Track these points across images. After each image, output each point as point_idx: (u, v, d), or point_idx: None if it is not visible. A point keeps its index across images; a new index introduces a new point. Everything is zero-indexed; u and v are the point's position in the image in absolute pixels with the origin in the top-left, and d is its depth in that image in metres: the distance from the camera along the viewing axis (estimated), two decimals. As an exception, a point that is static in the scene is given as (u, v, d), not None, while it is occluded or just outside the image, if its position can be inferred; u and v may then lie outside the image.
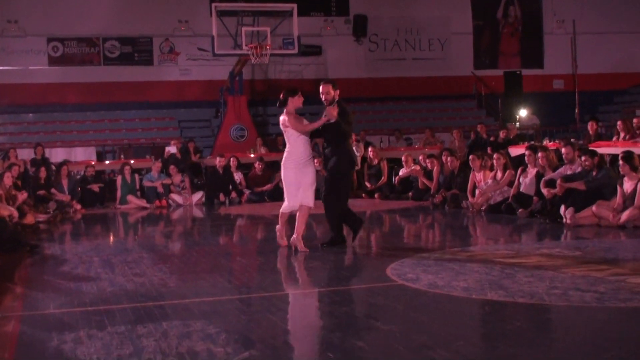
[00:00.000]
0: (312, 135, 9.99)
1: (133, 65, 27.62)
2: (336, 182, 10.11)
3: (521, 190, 13.59)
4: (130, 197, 18.36)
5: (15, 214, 12.51)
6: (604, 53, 30.53)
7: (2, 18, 26.17)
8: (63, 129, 25.98)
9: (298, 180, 9.80)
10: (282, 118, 9.87)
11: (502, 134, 20.71)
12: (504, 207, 13.58)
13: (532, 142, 18.37)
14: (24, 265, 9.88)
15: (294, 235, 9.91)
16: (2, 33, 26.33)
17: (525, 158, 13.92)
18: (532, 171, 13.57)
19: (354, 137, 19.23)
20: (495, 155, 14.66)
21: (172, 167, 19.21)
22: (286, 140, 9.98)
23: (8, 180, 13.58)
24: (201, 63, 27.90)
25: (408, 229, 13.44)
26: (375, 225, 13.70)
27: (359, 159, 19.40)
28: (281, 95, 9.93)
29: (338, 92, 10.04)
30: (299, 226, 9.89)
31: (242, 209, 17.35)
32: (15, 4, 26.15)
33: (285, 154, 9.99)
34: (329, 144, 10.14)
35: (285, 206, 10.02)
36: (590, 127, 18.01)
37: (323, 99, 10.00)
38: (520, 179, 13.71)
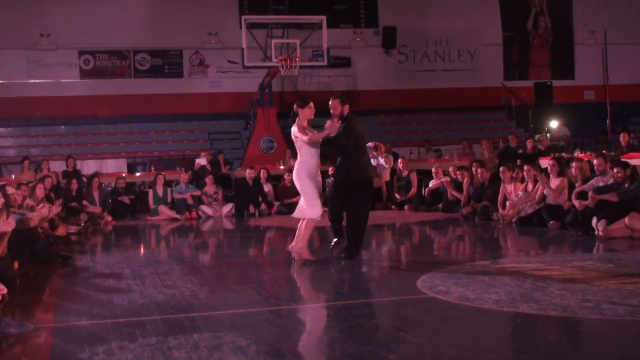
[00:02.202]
0: (323, 146, 10.05)
1: (163, 77, 27.81)
2: (335, 191, 10.35)
3: (547, 201, 13.53)
4: (161, 208, 18.45)
5: (57, 210, 12.83)
6: (635, 63, 30.35)
7: (34, 32, 26.45)
8: (94, 141, 26.17)
9: (317, 188, 9.96)
10: (293, 129, 10.02)
11: (529, 145, 20.61)
12: (535, 219, 13.50)
13: (561, 154, 18.24)
14: (56, 277, 9.95)
15: (299, 245, 10.04)
16: (34, 46, 26.63)
17: (549, 168, 13.85)
18: (555, 181, 13.50)
19: (382, 148, 19.31)
20: (525, 167, 14.55)
21: (209, 177, 19.28)
22: (297, 150, 10.10)
23: (40, 192, 13.68)
24: (231, 75, 28.02)
25: (438, 241, 13.38)
26: (405, 237, 13.67)
27: (388, 171, 19.42)
28: (294, 107, 10.10)
29: (347, 107, 10.17)
30: (306, 236, 10.06)
31: (272, 221, 17.37)
32: (47, 18, 26.43)
33: (296, 165, 10.13)
34: (338, 155, 10.32)
35: (314, 214, 10.01)
36: (622, 138, 17.90)
37: (331, 113, 10.20)
38: (545, 191, 13.63)
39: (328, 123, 9.87)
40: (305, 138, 9.83)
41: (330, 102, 10.21)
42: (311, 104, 10.05)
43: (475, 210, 15.55)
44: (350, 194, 10.11)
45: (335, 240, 10.17)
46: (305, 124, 10.01)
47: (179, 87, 27.83)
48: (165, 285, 8.60)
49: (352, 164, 10.10)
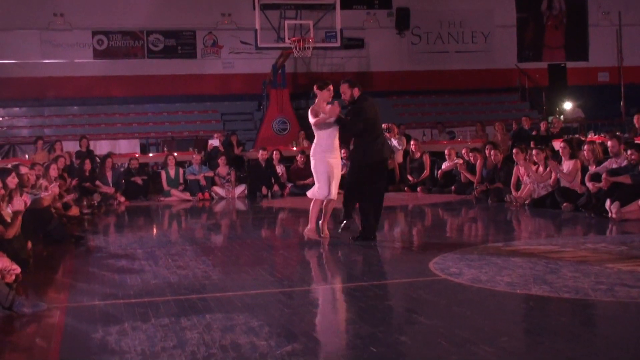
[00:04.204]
0: (342, 129, 10.09)
1: (176, 58, 27.74)
2: (352, 174, 10.40)
3: (560, 184, 13.49)
4: (173, 191, 18.44)
5: (56, 191, 12.81)
6: (650, 45, 30.14)
7: (48, 11, 26.42)
8: (107, 121, 26.20)
9: (331, 169, 9.92)
10: (309, 110, 10.11)
11: (542, 127, 20.53)
12: (548, 201, 13.46)
13: (572, 136, 18.18)
14: (69, 257, 10.00)
15: (308, 226, 10.10)
16: (48, 26, 26.59)
17: (560, 151, 13.80)
18: (567, 164, 13.44)
19: (395, 130, 19.24)
20: (534, 151, 14.44)
21: (221, 158, 19.31)
22: (314, 131, 10.14)
23: (54, 172, 13.70)
24: (244, 56, 27.94)
25: (451, 223, 13.36)
26: (417, 219, 13.66)
27: (400, 153, 19.37)
28: (314, 88, 10.22)
29: (357, 89, 10.24)
30: (313, 217, 10.07)
31: (285, 202, 17.38)
32: (61, -2, 26.45)
33: (312, 145, 10.18)
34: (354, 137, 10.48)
35: (320, 194, 10.01)
36: (637, 120, 17.79)
37: (342, 98, 10.34)
38: (558, 175, 13.58)
39: (328, 107, 9.90)
40: (312, 120, 9.92)
41: (340, 87, 10.27)
42: (330, 87, 10.11)
43: (488, 192, 15.51)
44: (366, 176, 10.12)
45: (345, 221, 10.21)
46: (323, 105, 10.01)
47: (192, 68, 27.78)
48: (178, 266, 8.63)
49: (366, 147, 10.11)
